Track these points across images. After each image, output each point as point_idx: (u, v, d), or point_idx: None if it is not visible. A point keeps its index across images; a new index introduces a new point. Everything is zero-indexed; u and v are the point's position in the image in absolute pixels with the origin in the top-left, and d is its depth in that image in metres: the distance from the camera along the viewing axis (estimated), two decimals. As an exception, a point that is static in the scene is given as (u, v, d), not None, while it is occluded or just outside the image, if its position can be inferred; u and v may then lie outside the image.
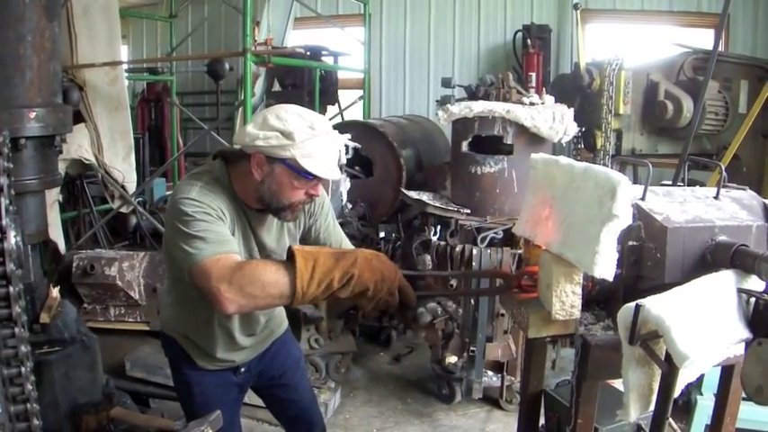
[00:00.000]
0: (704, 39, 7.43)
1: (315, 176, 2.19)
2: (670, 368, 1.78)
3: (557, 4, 7.91)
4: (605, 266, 1.97)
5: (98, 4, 6.21)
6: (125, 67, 6.91)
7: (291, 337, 2.96)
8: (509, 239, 4.30)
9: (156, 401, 4.48)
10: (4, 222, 1.82)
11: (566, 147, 5.69)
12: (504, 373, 4.54)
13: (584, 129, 5.41)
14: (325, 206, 2.63)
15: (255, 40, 6.07)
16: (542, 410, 2.76)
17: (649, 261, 2.18)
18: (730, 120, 5.76)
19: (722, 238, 2.14)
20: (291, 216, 2.33)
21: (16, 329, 1.63)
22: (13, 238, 1.75)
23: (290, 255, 2.00)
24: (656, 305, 1.77)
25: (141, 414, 3.37)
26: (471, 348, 4.32)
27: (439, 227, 4.56)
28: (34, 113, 3.40)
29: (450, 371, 4.62)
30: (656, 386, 1.90)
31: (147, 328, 5.67)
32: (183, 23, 9.56)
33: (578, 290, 2.13)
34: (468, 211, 4.44)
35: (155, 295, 5.63)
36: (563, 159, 2.28)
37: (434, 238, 4.46)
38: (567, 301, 2.12)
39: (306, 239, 2.60)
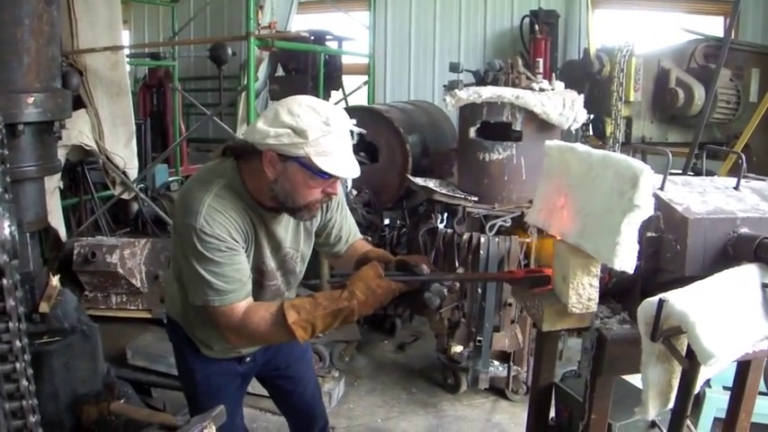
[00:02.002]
0: (713, 26, 7.35)
1: (330, 175, 2.10)
2: (691, 365, 1.72)
3: (565, -11, 7.81)
4: (626, 258, 1.90)
5: (98, -13, 6.11)
6: (126, 52, 6.79)
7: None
8: (518, 227, 4.22)
9: (158, 391, 4.43)
10: (-4, 211, 1.75)
11: (574, 134, 5.63)
12: (511, 363, 4.47)
13: (593, 116, 5.33)
14: (341, 201, 2.59)
15: (259, 24, 5.99)
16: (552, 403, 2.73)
17: (669, 253, 2.11)
18: (742, 108, 5.67)
19: (744, 230, 2.06)
20: (308, 215, 2.26)
21: (11, 324, 1.56)
22: (6, 228, 1.67)
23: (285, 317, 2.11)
24: (679, 300, 1.70)
25: (142, 409, 3.31)
26: (478, 338, 4.24)
27: (446, 214, 4.47)
28: (32, 98, 3.32)
29: (456, 360, 4.57)
30: (675, 383, 1.83)
31: (149, 316, 5.62)
32: (186, 8, 9.46)
33: (596, 282, 2.06)
34: (476, 198, 4.35)
35: (156, 283, 5.57)
36: (580, 147, 2.21)
37: (441, 226, 4.37)
38: (583, 294, 2.06)
39: (319, 234, 2.58)
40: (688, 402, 1.82)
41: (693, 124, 5.56)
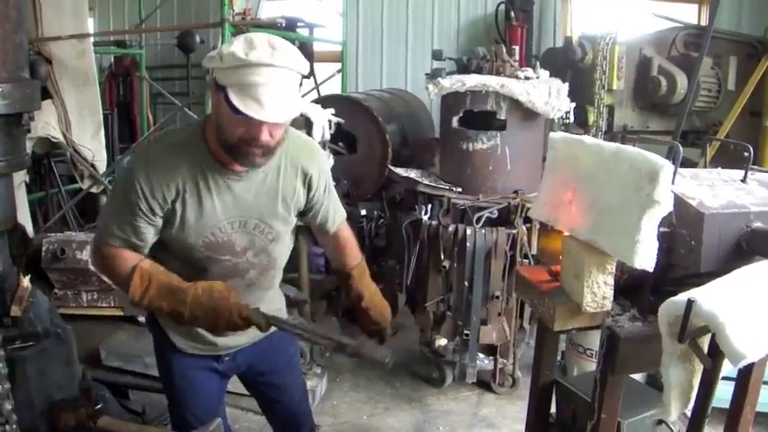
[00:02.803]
0: (686, 13, 7.32)
1: (239, 112, 1.87)
2: (714, 364, 1.66)
3: (539, -25, 7.72)
4: (646, 256, 1.84)
5: (62, -28, 5.89)
6: (92, 39, 6.57)
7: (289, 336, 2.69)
8: (504, 219, 4.14)
9: (136, 392, 4.27)
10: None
11: (555, 122, 5.58)
12: (497, 356, 4.40)
13: (574, 104, 5.27)
14: (328, 185, 2.46)
15: (233, 11, 5.82)
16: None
17: (682, 249, 2.06)
18: (722, 97, 5.66)
19: (758, 224, 2.03)
20: (248, 162, 2.05)
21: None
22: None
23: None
24: (706, 300, 1.63)
25: (130, 424, 3.17)
26: (465, 331, 4.17)
27: (429, 206, 4.37)
28: (-1, 90, 3.14)
29: (441, 354, 4.48)
30: (696, 382, 1.79)
31: (122, 314, 5.45)
32: (152, -6, 9.22)
33: (610, 280, 2.00)
34: (460, 189, 4.27)
35: (129, 279, 5.40)
36: (589, 139, 2.14)
37: (425, 218, 4.27)
38: (598, 292, 2.00)
39: (305, 214, 2.44)
40: (709, 401, 1.78)
41: (674, 112, 5.55)
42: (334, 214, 2.53)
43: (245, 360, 2.55)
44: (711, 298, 1.63)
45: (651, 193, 1.80)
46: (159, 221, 2.13)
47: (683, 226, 2.04)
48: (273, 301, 2.56)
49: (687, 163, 2.87)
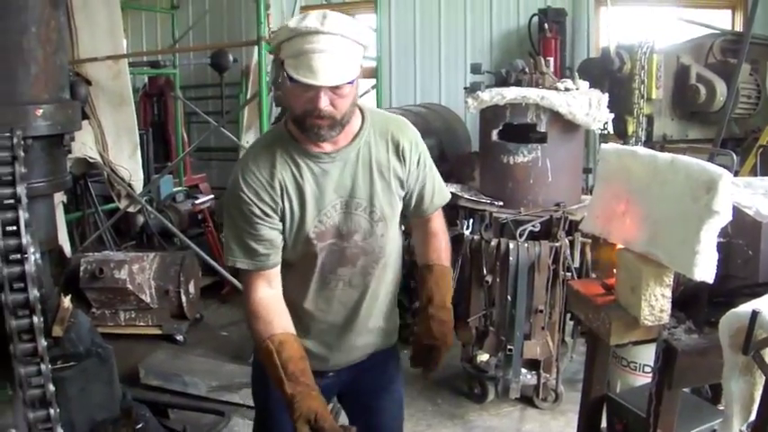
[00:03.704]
0: (720, 19, 7.22)
1: (293, 79, 1.89)
2: (776, 376, 1.59)
3: (571, -13, 7.68)
4: (706, 267, 1.79)
5: (98, -6, 5.96)
6: (127, 60, 6.64)
7: (396, 357, 2.59)
8: (546, 232, 4.09)
9: (176, 411, 4.27)
10: (24, 241, 1.60)
11: (592, 133, 5.53)
12: (541, 371, 4.33)
13: (613, 114, 5.23)
14: (425, 159, 2.33)
15: (270, 28, 5.84)
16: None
17: (739, 259, 2.01)
18: (762, 103, 5.57)
19: (816, 232, 1.96)
20: (316, 135, 2.01)
21: (42, 366, 1.41)
22: (32, 256, 1.52)
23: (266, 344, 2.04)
24: (771, 311, 1.57)
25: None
26: (508, 347, 4.12)
27: (471, 220, 4.32)
28: (41, 111, 3.15)
29: (483, 369, 4.44)
30: (757, 395, 1.71)
31: (160, 332, 5.49)
32: (185, 15, 9.31)
33: (668, 293, 1.95)
34: (501, 202, 4.23)
35: (167, 297, 5.43)
36: (641, 150, 2.10)
37: (467, 232, 4.23)
38: (656, 305, 1.94)
39: (409, 194, 2.31)
40: (771, 414, 1.71)
41: (714, 120, 5.48)
42: (433, 195, 2.39)
43: (349, 376, 2.45)
44: (774, 308, 1.58)
45: (710, 203, 1.76)
46: (279, 224, 2.12)
47: (740, 236, 1.99)
48: (392, 318, 2.49)
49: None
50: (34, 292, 1.41)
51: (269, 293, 2.14)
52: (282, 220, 2.12)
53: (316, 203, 2.12)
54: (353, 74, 1.95)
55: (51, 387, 1.39)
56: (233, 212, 2.12)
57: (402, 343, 2.57)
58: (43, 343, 1.35)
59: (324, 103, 1.93)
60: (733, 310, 1.65)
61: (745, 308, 1.61)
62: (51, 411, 1.43)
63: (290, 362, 2.00)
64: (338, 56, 1.90)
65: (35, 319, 1.38)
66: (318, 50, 1.87)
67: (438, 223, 2.49)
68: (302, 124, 2.01)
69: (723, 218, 1.78)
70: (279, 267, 2.17)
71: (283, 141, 2.13)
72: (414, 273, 2.67)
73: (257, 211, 2.07)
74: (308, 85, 1.88)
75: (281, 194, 2.09)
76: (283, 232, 2.14)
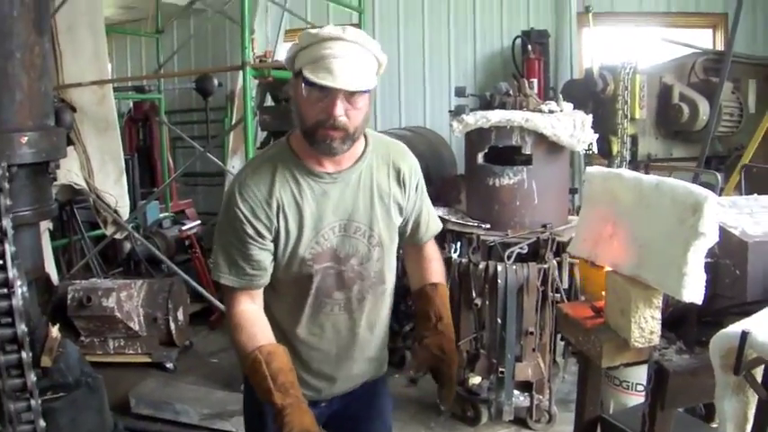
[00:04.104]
0: (698, 38, 7.31)
1: (314, 83, 1.87)
2: (770, 395, 1.60)
3: (553, 9, 7.73)
4: (694, 289, 1.80)
5: (83, 20, 5.95)
6: (112, 85, 6.63)
7: (385, 386, 2.55)
8: (534, 253, 4.10)
9: (167, 440, 4.25)
10: (11, 275, 1.58)
11: (576, 154, 5.57)
12: (534, 392, 4.33)
13: (597, 135, 5.28)
14: (420, 184, 2.32)
15: (254, 54, 5.86)
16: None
17: (727, 279, 2.02)
18: (744, 121, 5.64)
19: (803, 251, 1.97)
20: (328, 148, 1.97)
21: (32, 402, 1.40)
22: (19, 290, 1.51)
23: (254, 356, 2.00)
24: (761, 331, 1.58)
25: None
26: (500, 369, 4.11)
27: (458, 243, 4.33)
28: (26, 138, 3.16)
29: (475, 392, 4.41)
30: (751, 414, 1.72)
31: (149, 360, 5.44)
32: (169, 39, 9.31)
33: (657, 314, 1.96)
34: (488, 225, 4.24)
35: (155, 325, 5.40)
36: (627, 173, 2.12)
37: (455, 256, 4.24)
38: (646, 327, 1.95)
39: (406, 221, 2.31)
40: (765, 432, 1.71)
41: (697, 139, 5.53)
42: (428, 222, 2.40)
43: (341, 404, 2.40)
44: (765, 328, 1.59)
45: (696, 225, 1.78)
46: (271, 245, 2.08)
47: (727, 256, 2.01)
48: (385, 346, 2.45)
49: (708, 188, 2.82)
50: (22, 327, 1.40)
51: (251, 307, 2.11)
52: (276, 240, 2.08)
53: (314, 225, 2.09)
54: (371, 83, 1.93)
55: (42, 423, 1.37)
56: (225, 227, 2.08)
57: (392, 367, 2.55)
58: (32, 378, 1.33)
59: (339, 110, 1.90)
60: (723, 330, 1.65)
61: (735, 328, 1.62)
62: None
63: (279, 373, 1.96)
64: (357, 63, 1.90)
65: (23, 354, 1.36)
66: (338, 56, 1.87)
67: (433, 249, 2.48)
68: (313, 136, 1.96)
69: (710, 239, 1.79)
70: (263, 287, 2.14)
71: (284, 157, 2.09)
72: (406, 296, 2.65)
73: (250, 231, 2.03)
74: (326, 89, 1.87)
75: (278, 213, 2.05)
76: (276, 252, 2.10)
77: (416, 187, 2.29)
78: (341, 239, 2.14)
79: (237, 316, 2.09)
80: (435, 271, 2.43)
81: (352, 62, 1.88)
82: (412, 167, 2.27)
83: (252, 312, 2.10)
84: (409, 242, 2.41)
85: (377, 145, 2.20)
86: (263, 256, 2.08)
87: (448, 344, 2.27)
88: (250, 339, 2.03)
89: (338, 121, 1.91)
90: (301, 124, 2.00)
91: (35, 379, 1.34)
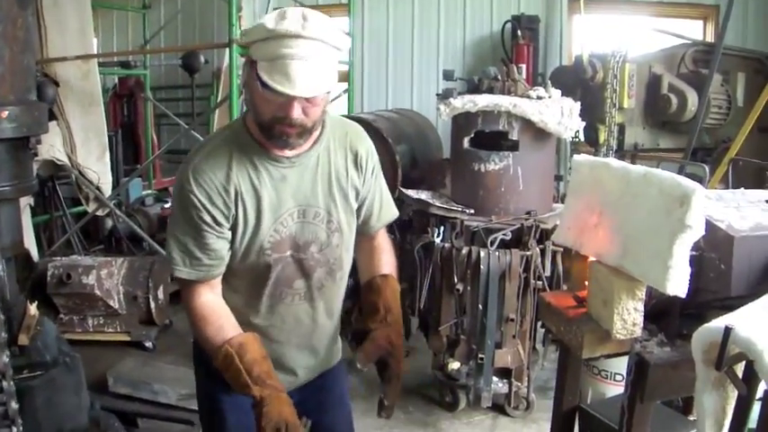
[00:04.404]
0: (688, 29, 7.30)
1: (267, 86, 1.76)
2: (749, 390, 1.61)
3: (544, -6, 7.72)
4: (679, 282, 1.79)
5: (68, -7, 5.88)
6: (97, 60, 6.54)
7: (341, 371, 2.46)
8: (517, 240, 4.09)
9: (145, 421, 4.20)
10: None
11: (563, 141, 5.56)
12: (512, 379, 4.33)
13: (585, 123, 5.26)
14: (376, 169, 2.22)
15: (242, 31, 5.77)
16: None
17: (711, 273, 2.00)
18: (732, 113, 5.64)
19: (789, 246, 1.96)
20: (283, 143, 1.90)
21: (4, 383, 1.37)
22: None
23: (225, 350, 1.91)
24: (744, 327, 1.57)
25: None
26: (480, 355, 4.10)
27: (442, 228, 4.30)
28: (6, 112, 3.09)
29: (454, 377, 4.40)
30: (729, 410, 1.73)
31: (128, 339, 5.39)
32: (156, 15, 9.21)
33: (640, 306, 1.95)
34: (472, 210, 4.22)
35: (135, 303, 5.35)
36: (615, 162, 2.09)
37: (438, 240, 4.21)
38: (628, 318, 1.94)
39: (360, 206, 2.20)
40: (744, 427, 1.70)
41: (685, 130, 5.53)
42: (381, 210, 2.27)
43: (300, 397, 2.21)
44: (748, 324, 1.58)
45: (683, 218, 1.75)
46: (228, 233, 1.99)
47: (712, 249, 1.99)
48: (338, 339, 2.37)
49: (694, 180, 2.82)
50: (-7, 306, 1.37)
51: (212, 297, 2.03)
52: (234, 228, 1.99)
53: (273, 211, 2.01)
54: (331, 84, 1.85)
55: (15, 405, 1.34)
56: (180, 215, 1.98)
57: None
58: (5, 359, 1.30)
59: (296, 112, 1.82)
60: (705, 325, 1.64)
61: (718, 323, 1.61)
62: (14, 429, 1.38)
63: (254, 364, 1.89)
64: (317, 64, 1.78)
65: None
66: (297, 57, 1.74)
67: (384, 240, 2.37)
68: (270, 131, 1.88)
69: (696, 232, 1.77)
70: (221, 276, 2.05)
71: (241, 140, 1.99)
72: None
73: (207, 218, 1.94)
74: (273, 89, 1.76)
75: (236, 200, 1.96)
76: (233, 242, 2.01)
77: (372, 171, 2.20)
78: (300, 226, 2.07)
79: (199, 308, 2.01)
80: (386, 262, 2.30)
81: (312, 64, 1.77)
82: (368, 150, 2.19)
83: (214, 303, 2.02)
84: (361, 230, 2.28)
85: (334, 126, 2.12)
86: (221, 244, 1.99)
87: (396, 337, 2.15)
88: (218, 333, 1.95)
89: (295, 121, 1.84)
90: (256, 116, 1.91)
91: (7, 360, 1.30)
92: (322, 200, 2.07)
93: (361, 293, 2.26)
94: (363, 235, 2.30)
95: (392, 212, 2.34)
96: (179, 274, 1.99)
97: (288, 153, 1.99)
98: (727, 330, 1.56)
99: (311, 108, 1.85)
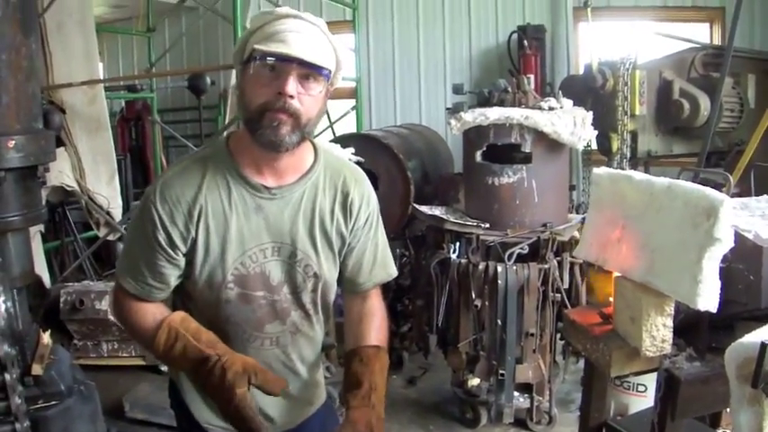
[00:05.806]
0: (694, 32, 7.25)
1: (268, 54, 1.67)
2: (785, 407, 1.54)
3: (549, 4, 7.65)
4: (709, 296, 1.73)
5: (73, 19, 5.86)
6: (104, 85, 6.54)
7: (330, 412, 2.30)
8: (534, 253, 4.04)
9: (161, 446, 4.17)
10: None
11: (575, 152, 5.51)
12: (534, 394, 4.27)
13: (597, 132, 5.22)
14: (373, 222, 2.04)
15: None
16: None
17: (740, 284, 1.96)
18: (745, 116, 5.58)
19: (818, 255, 1.91)
20: (273, 133, 1.72)
21: (17, 425, 1.32)
22: (2, 305, 1.42)
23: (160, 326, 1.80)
24: (780, 342, 1.52)
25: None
26: (500, 371, 4.05)
27: (458, 243, 4.26)
28: (13, 142, 3.04)
29: (474, 394, 4.37)
30: (766, 425, 1.66)
31: (143, 363, 5.35)
32: (161, 38, 9.21)
33: (669, 322, 1.90)
34: (487, 224, 4.17)
35: (149, 328, 5.31)
36: (637, 175, 2.04)
37: (454, 256, 4.17)
38: (657, 335, 1.89)
39: (346, 257, 2.03)
40: (781, 446, 1.66)
41: (698, 135, 5.47)
42: (373, 267, 2.07)
43: None
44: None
45: (710, 230, 1.71)
46: (181, 260, 1.84)
47: (740, 260, 1.95)
48: (318, 383, 2.18)
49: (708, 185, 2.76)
50: (5, 348, 1.32)
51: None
52: (192, 253, 1.84)
53: (240, 242, 1.85)
54: (328, 63, 1.75)
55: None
56: (137, 227, 1.87)
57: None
58: (17, 401, 1.26)
59: (292, 87, 1.69)
60: (740, 340, 1.60)
61: (752, 338, 1.56)
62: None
63: (200, 332, 1.78)
64: (314, 39, 1.73)
65: (7, 376, 1.29)
66: (294, 30, 1.70)
67: (377, 302, 2.14)
68: (259, 121, 1.72)
69: (725, 245, 1.72)
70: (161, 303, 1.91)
71: (219, 159, 1.86)
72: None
73: (162, 238, 1.80)
74: (277, 69, 1.69)
75: (198, 222, 1.81)
76: (192, 270, 1.86)
77: (366, 221, 2.01)
78: (274, 264, 1.91)
79: (129, 310, 1.88)
80: (378, 328, 2.08)
81: (309, 37, 1.71)
82: (364, 197, 2.01)
83: (146, 306, 1.89)
84: (348, 287, 2.10)
85: (328, 162, 1.98)
86: (169, 270, 1.86)
87: (378, 422, 1.88)
88: (154, 319, 1.83)
89: (289, 104, 1.71)
90: (246, 111, 1.77)
91: (20, 401, 1.26)
92: (302, 240, 1.92)
93: (345, 360, 2.05)
94: (352, 293, 2.12)
95: (386, 273, 2.14)
96: (121, 281, 1.88)
97: (269, 182, 1.86)
98: (764, 346, 1.51)
99: (305, 97, 1.74)
